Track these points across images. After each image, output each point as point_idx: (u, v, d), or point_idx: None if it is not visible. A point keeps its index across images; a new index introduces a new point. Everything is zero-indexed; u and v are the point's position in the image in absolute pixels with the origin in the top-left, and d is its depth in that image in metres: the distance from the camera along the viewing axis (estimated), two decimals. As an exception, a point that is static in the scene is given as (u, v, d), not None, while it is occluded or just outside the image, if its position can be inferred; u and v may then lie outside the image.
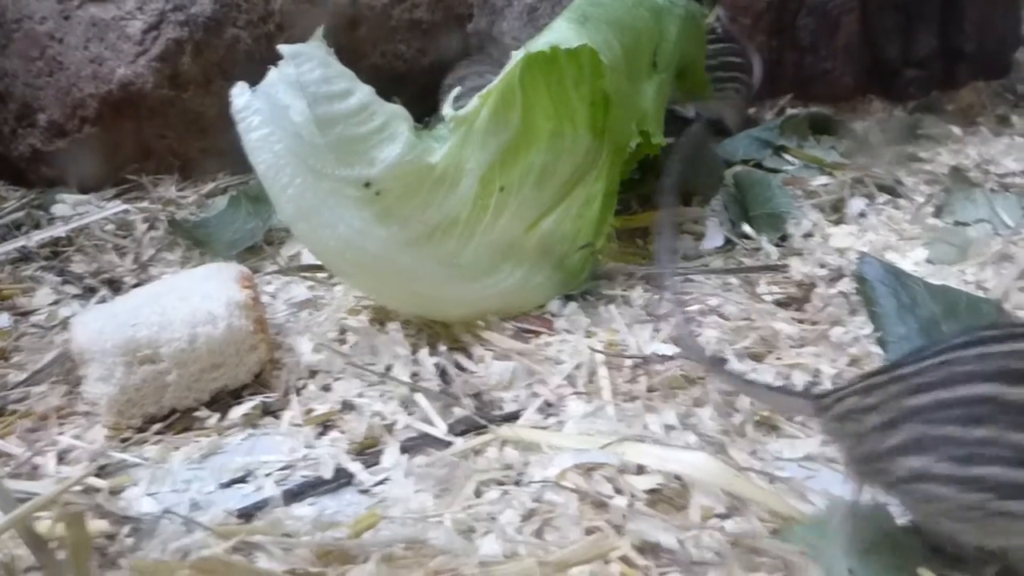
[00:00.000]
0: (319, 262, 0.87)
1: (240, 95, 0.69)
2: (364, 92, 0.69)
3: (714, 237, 0.97)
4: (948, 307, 0.77)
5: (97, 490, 0.61)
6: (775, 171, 1.12)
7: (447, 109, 0.74)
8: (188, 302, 0.71)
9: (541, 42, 0.75)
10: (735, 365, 0.72)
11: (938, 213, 1.00)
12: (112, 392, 0.67)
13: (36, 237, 1.00)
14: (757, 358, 0.74)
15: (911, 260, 0.90)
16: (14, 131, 1.20)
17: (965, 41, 1.42)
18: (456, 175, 0.73)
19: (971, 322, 0.76)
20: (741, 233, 0.96)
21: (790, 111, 1.35)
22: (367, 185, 0.69)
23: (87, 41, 1.13)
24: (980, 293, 0.82)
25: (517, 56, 0.74)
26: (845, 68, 1.39)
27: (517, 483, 0.60)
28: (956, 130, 1.30)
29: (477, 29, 1.42)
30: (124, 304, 0.73)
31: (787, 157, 1.18)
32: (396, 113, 0.70)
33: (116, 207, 1.07)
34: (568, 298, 0.82)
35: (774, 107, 1.37)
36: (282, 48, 0.68)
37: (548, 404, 0.69)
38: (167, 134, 1.16)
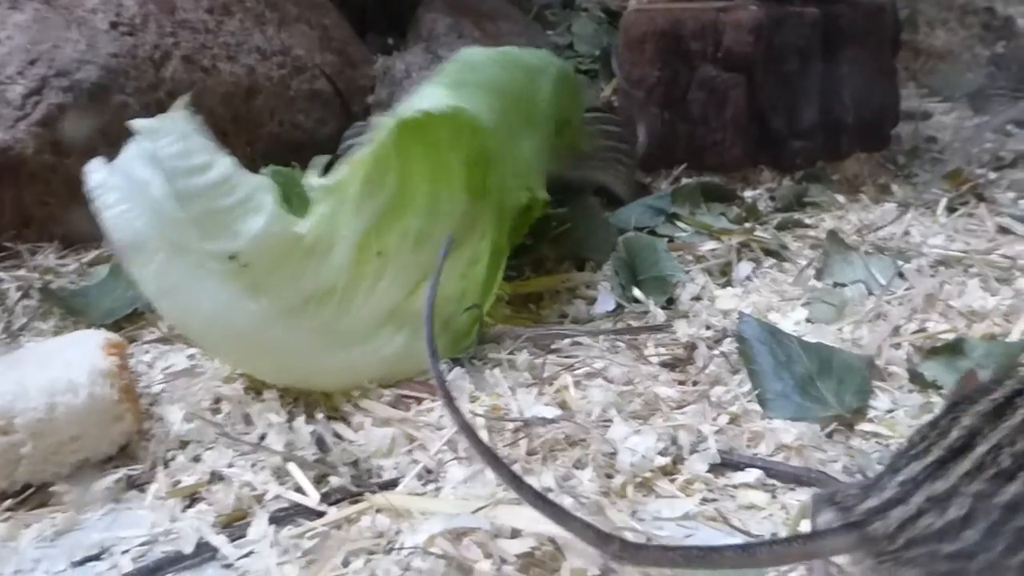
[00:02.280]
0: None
1: (96, 171, 0.67)
2: (225, 164, 0.68)
3: (605, 301, 0.98)
4: (822, 363, 0.79)
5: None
6: (668, 238, 1.15)
7: (312, 179, 0.74)
8: (47, 370, 0.67)
9: (411, 107, 0.76)
10: (621, 426, 0.72)
11: (819, 275, 1.04)
12: None
13: (-102, 307, 0.94)
14: (641, 420, 0.74)
15: (792, 320, 0.92)
16: None
17: (846, 114, 1.49)
18: (328, 243, 0.72)
19: (844, 377, 0.78)
20: (631, 297, 0.97)
21: (685, 181, 1.39)
22: (232, 258, 0.67)
23: (-35, 106, 1.10)
24: (855, 350, 0.84)
25: (386, 122, 0.75)
26: (735, 139, 1.44)
27: (387, 551, 0.58)
28: (840, 198, 1.35)
29: (378, 100, 1.43)
30: None
31: (679, 224, 1.21)
32: (260, 185, 0.70)
33: (-12, 275, 1.03)
34: (454, 362, 0.81)
35: (668, 177, 1.41)
36: (137, 123, 0.67)
37: (428, 471, 0.68)
38: (49, 201, 1.12)
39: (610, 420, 0.73)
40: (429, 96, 0.79)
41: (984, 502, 0.47)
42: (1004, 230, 1.19)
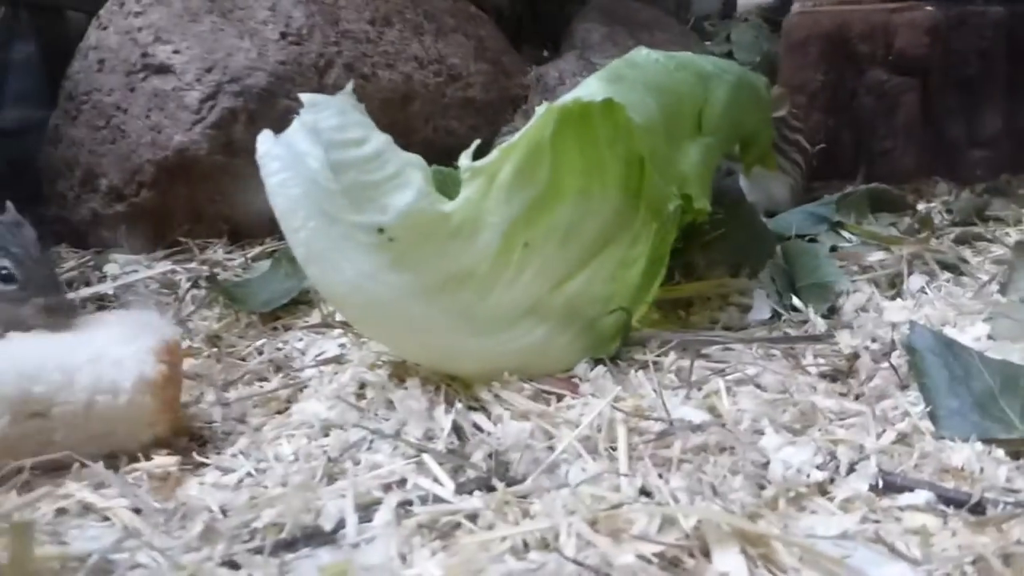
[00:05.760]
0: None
1: (264, 142, 0.70)
2: (379, 140, 0.70)
3: (760, 309, 0.93)
4: (1006, 381, 0.71)
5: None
6: (831, 246, 1.08)
7: (463, 160, 0.74)
8: (96, 365, 0.68)
9: (567, 97, 0.75)
10: (774, 437, 0.67)
11: (1003, 291, 0.94)
12: None
13: (83, 292, 1.02)
14: (796, 432, 0.69)
15: (970, 335, 0.84)
16: (78, 196, 1.25)
17: (1034, 124, 1.37)
18: (475, 227, 0.72)
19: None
20: (789, 305, 0.92)
21: (850, 189, 1.31)
22: (380, 231, 0.68)
23: (148, 111, 1.19)
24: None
25: (540, 111, 0.74)
26: (906, 148, 1.35)
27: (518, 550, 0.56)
28: (1027, 213, 1.24)
29: (531, 108, 1.44)
30: (38, 349, 0.70)
31: (844, 233, 1.14)
32: (410, 161, 0.70)
33: (163, 267, 1.10)
34: (597, 362, 0.79)
35: (832, 185, 1.33)
36: (303, 96, 0.69)
37: (562, 465, 0.65)
38: (218, 199, 1.20)
39: (762, 429, 0.69)
40: (584, 87, 0.78)
41: None
42: None
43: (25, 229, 0.76)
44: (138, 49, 1.20)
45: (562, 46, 1.76)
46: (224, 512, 0.61)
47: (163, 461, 0.68)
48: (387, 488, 0.64)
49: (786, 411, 0.71)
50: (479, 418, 0.72)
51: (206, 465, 0.68)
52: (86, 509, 0.61)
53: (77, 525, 0.59)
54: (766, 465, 0.64)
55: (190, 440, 0.72)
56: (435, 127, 1.35)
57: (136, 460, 0.68)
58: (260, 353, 0.88)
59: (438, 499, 0.62)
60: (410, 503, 0.62)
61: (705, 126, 0.89)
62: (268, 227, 1.18)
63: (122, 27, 1.23)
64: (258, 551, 0.56)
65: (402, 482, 0.64)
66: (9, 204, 0.78)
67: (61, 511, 0.60)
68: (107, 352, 0.69)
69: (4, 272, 0.72)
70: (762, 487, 0.62)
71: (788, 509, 0.61)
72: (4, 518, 0.49)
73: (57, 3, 1.53)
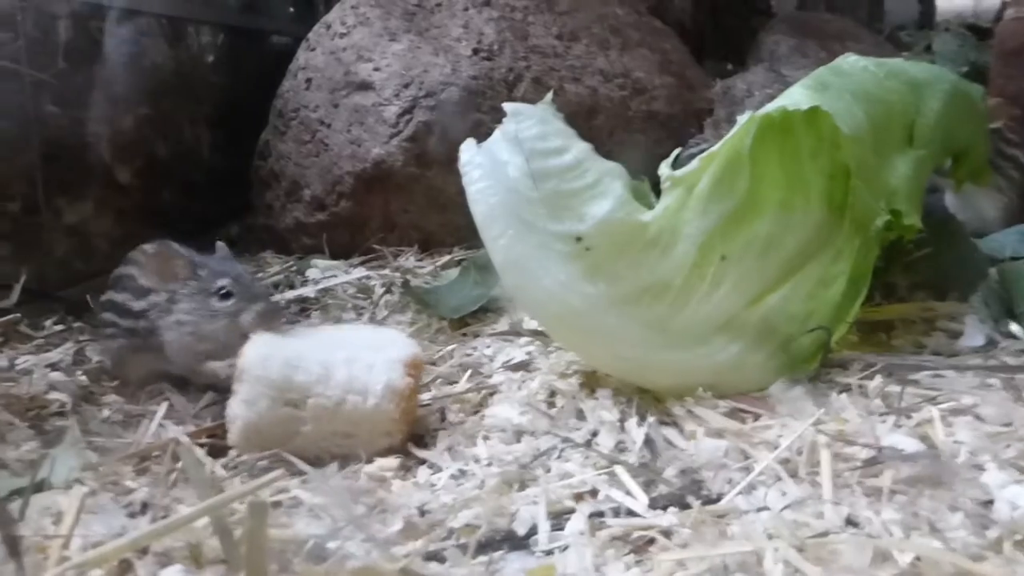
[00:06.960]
0: (534, 320, 0.87)
1: (466, 151, 0.73)
2: (580, 149, 0.70)
3: (973, 335, 0.86)
4: None
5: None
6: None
7: (664, 169, 0.73)
8: (352, 367, 0.71)
9: (770, 106, 0.73)
10: (996, 473, 0.62)
11: None
12: (249, 417, 0.69)
13: (287, 295, 1.09)
14: (1023, 469, 0.64)
15: None
16: (283, 206, 1.34)
17: None
18: (671, 238, 0.71)
19: None
20: (1006, 332, 0.85)
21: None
22: (578, 240, 0.69)
23: (350, 125, 1.26)
24: None
25: (742, 120, 0.72)
26: None
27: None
28: None
29: (717, 119, 1.41)
30: (299, 342, 0.74)
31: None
32: (610, 170, 0.70)
33: (359, 273, 1.15)
34: (794, 382, 0.76)
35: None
36: (505, 106, 0.71)
37: (760, 487, 0.63)
38: (410, 209, 1.25)
39: (983, 465, 0.63)
40: (788, 96, 0.75)
41: None
42: None
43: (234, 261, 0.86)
44: (342, 68, 1.28)
45: (747, 59, 1.72)
46: (422, 512, 0.63)
47: (386, 463, 0.70)
48: (579, 497, 0.64)
49: (1010, 446, 0.65)
50: (671, 433, 0.71)
51: (421, 462, 0.70)
52: (295, 501, 0.65)
53: (288, 515, 0.63)
54: (989, 504, 0.59)
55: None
56: (619, 140, 1.35)
57: (360, 461, 0.70)
58: (451, 357, 0.91)
59: (631, 512, 0.62)
60: (602, 514, 0.62)
61: (917, 137, 0.84)
62: (456, 236, 1.22)
63: (328, 48, 1.31)
64: (459, 549, 0.57)
65: (594, 492, 0.64)
66: (220, 243, 0.87)
67: (276, 504, 0.64)
68: (361, 355, 0.72)
69: (224, 291, 0.81)
70: (985, 527, 0.58)
71: (1016, 554, 0.55)
72: (242, 498, 0.53)
73: (261, 28, 1.65)
